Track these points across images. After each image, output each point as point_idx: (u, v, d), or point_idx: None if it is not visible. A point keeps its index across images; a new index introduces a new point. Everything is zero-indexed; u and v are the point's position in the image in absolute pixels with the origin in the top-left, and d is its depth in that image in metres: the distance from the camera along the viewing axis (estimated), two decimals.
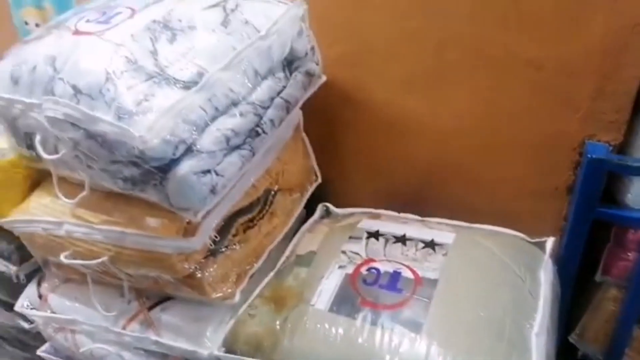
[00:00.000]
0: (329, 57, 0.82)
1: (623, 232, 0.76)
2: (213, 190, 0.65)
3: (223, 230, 0.74)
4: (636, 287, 0.76)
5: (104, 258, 0.70)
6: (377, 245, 0.78)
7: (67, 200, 0.71)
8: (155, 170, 0.62)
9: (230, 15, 0.70)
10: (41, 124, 0.66)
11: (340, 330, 0.66)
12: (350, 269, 0.74)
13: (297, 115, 0.86)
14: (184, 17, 0.69)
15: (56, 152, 0.67)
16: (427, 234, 0.78)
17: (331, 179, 0.95)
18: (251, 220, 0.78)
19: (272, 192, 0.83)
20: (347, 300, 0.69)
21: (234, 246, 0.75)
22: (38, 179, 0.81)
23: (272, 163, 0.81)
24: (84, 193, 0.68)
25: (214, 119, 0.65)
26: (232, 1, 0.73)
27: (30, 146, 0.72)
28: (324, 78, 0.83)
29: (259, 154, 0.73)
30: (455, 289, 0.68)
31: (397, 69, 0.82)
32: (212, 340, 0.72)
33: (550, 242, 0.77)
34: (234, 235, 0.76)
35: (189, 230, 0.68)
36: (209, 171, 0.64)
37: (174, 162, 0.62)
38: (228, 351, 0.70)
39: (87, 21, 0.70)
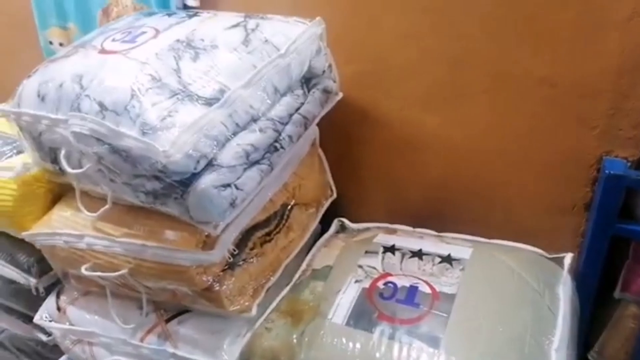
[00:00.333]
0: (345, 75, 0.84)
1: None
2: (233, 204, 0.66)
3: (240, 243, 0.75)
4: None
5: (124, 270, 0.71)
6: (393, 259, 0.78)
7: (89, 213, 0.72)
8: (177, 184, 0.64)
9: (250, 35, 0.73)
10: (66, 139, 0.68)
11: (358, 345, 0.66)
12: (366, 283, 0.74)
13: (313, 131, 0.88)
14: (207, 36, 0.71)
15: (80, 166, 0.69)
16: (444, 249, 0.78)
17: (346, 195, 0.96)
18: (268, 234, 0.79)
19: (289, 207, 0.83)
20: (364, 315, 0.69)
21: (251, 260, 0.76)
22: (59, 193, 0.83)
23: (289, 178, 0.82)
24: (107, 206, 0.70)
25: (234, 134, 0.66)
26: (252, 21, 0.75)
27: (54, 160, 0.74)
28: (340, 95, 0.85)
29: (277, 168, 0.74)
30: (474, 304, 0.68)
31: (412, 87, 0.84)
32: (228, 353, 0.73)
33: (568, 257, 0.77)
34: (252, 249, 0.76)
35: (208, 243, 0.69)
36: (229, 185, 0.65)
37: (195, 176, 0.63)
38: None
39: (113, 40, 0.72)
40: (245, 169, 0.67)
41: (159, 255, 0.69)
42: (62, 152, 0.70)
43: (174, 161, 0.60)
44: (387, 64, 0.84)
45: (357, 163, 0.95)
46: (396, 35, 0.81)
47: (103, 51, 0.71)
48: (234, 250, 0.72)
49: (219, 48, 0.70)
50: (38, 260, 0.87)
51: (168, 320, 0.78)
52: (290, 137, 0.74)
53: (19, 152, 0.82)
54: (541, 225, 0.83)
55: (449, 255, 0.76)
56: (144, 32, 0.72)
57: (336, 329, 0.68)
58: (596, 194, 0.76)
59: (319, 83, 0.80)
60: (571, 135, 0.76)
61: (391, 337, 0.65)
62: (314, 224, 0.90)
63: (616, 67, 0.70)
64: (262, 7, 0.82)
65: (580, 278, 0.78)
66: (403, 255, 0.78)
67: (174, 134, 0.60)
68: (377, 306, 0.70)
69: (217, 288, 0.71)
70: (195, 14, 0.79)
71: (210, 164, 0.64)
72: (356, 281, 0.75)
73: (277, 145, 0.72)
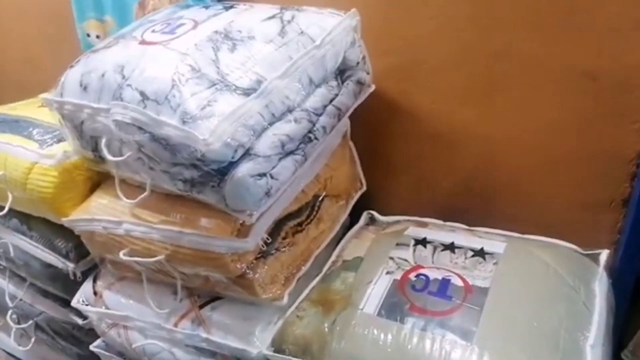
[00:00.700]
0: (378, 67, 0.84)
1: None
2: (268, 193, 0.67)
3: (273, 233, 0.76)
4: None
5: (161, 256, 0.73)
6: (425, 252, 0.78)
7: (128, 200, 0.74)
8: (214, 172, 0.65)
9: (286, 26, 0.73)
10: (107, 127, 0.70)
11: (390, 336, 0.66)
12: (398, 275, 0.74)
13: (345, 123, 0.88)
14: (244, 28, 0.72)
15: (120, 154, 0.71)
16: (477, 243, 0.77)
17: (376, 187, 0.96)
18: (300, 224, 0.80)
19: (320, 198, 0.84)
20: (395, 306, 0.69)
21: (284, 249, 0.77)
22: (98, 181, 0.85)
23: (321, 169, 0.83)
24: (146, 194, 0.72)
25: (270, 124, 0.67)
26: (288, 13, 0.76)
27: (95, 149, 0.76)
28: (373, 87, 0.85)
29: (310, 159, 0.75)
30: (508, 298, 0.68)
31: (448, 80, 0.83)
32: (260, 340, 0.74)
33: (604, 254, 0.75)
34: (284, 238, 0.77)
35: (242, 231, 0.70)
36: (264, 174, 0.66)
37: (232, 165, 0.64)
38: (277, 351, 0.71)
39: (153, 31, 0.74)
40: (280, 159, 0.68)
41: (195, 242, 0.70)
42: (103, 140, 0.72)
43: (212, 149, 0.61)
44: (422, 56, 0.83)
45: (387, 156, 0.95)
46: (432, 28, 0.81)
47: (143, 42, 0.72)
48: (267, 239, 0.74)
49: (255, 39, 0.71)
50: (76, 246, 0.89)
51: (201, 306, 0.79)
52: (324, 128, 0.74)
53: (60, 141, 0.85)
54: (577, 221, 0.81)
55: (481, 249, 0.76)
56: (183, 24, 0.74)
57: (368, 319, 0.69)
58: (635, 189, 0.75)
59: (353, 75, 0.80)
60: (611, 130, 0.75)
61: (423, 329, 0.65)
62: (344, 216, 0.91)
63: None
64: None
65: (616, 275, 0.77)
66: (435, 248, 0.78)
67: (213, 123, 0.61)
68: (409, 298, 0.70)
69: (251, 276, 0.72)
70: (232, 6, 0.80)
71: (247, 153, 0.65)
72: (387, 272, 0.75)
73: (311, 135, 0.72)
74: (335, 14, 0.78)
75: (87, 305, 0.91)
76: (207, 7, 0.81)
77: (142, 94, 0.65)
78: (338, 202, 0.90)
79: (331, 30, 0.75)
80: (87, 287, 0.92)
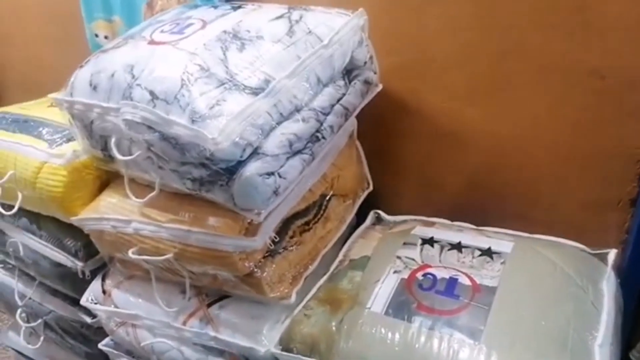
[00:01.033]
0: (385, 67, 0.84)
1: None
2: (276, 192, 0.67)
3: (281, 232, 0.76)
4: None
5: (169, 255, 0.73)
6: (432, 251, 0.78)
7: (137, 199, 0.75)
8: (223, 171, 0.65)
9: (294, 26, 0.74)
10: (117, 126, 0.70)
11: (397, 334, 0.66)
12: (405, 274, 0.74)
13: (352, 122, 0.88)
14: (252, 27, 0.72)
15: (130, 153, 0.72)
16: (484, 242, 0.77)
17: (382, 187, 0.96)
18: (307, 223, 0.80)
19: (327, 197, 0.84)
20: (403, 305, 0.69)
21: (291, 248, 0.77)
22: (107, 180, 0.86)
23: (328, 169, 0.83)
24: (155, 193, 0.72)
25: (278, 123, 0.68)
26: (296, 12, 0.76)
27: (104, 148, 0.77)
28: (380, 87, 0.85)
29: (318, 158, 0.75)
30: (516, 297, 0.68)
31: (455, 79, 0.83)
32: (268, 338, 0.74)
33: (612, 254, 0.75)
34: (291, 237, 0.78)
35: (250, 230, 0.70)
36: (272, 173, 0.67)
37: (241, 164, 0.65)
38: (284, 349, 0.72)
39: (162, 31, 0.75)
40: (288, 158, 0.68)
41: (203, 240, 0.71)
42: (113, 139, 0.73)
43: (221, 148, 0.62)
44: (428, 55, 0.83)
45: (393, 155, 0.95)
46: (439, 27, 0.81)
47: (152, 42, 0.73)
48: (275, 238, 0.74)
49: (264, 39, 0.71)
50: (84, 245, 0.90)
51: (209, 305, 0.80)
52: (331, 127, 0.75)
53: (69, 140, 0.85)
54: (585, 221, 0.81)
55: (489, 248, 0.76)
56: (191, 24, 0.74)
57: (375, 318, 0.69)
58: None
59: (360, 74, 0.80)
60: (619, 129, 0.74)
61: (431, 328, 0.65)
62: (351, 216, 0.91)
63: None
64: None
65: (624, 275, 0.76)
66: (442, 247, 0.78)
67: (222, 122, 0.62)
68: (416, 297, 0.70)
69: (258, 274, 0.73)
70: (240, 6, 0.80)
71: (255, 153, 0.65)
72: (395, 272, 0.75)
73: (319, 135, 0.73)
74: (342, 14, 0.78)
75: (96, 303, 0.91)
76: (215, 7, 0.81)
77: (151, 93, 0.66)
78: (345, 202, 0.90)
79: (339, 30, 0.75)
80: (96, 286, 0.92)
